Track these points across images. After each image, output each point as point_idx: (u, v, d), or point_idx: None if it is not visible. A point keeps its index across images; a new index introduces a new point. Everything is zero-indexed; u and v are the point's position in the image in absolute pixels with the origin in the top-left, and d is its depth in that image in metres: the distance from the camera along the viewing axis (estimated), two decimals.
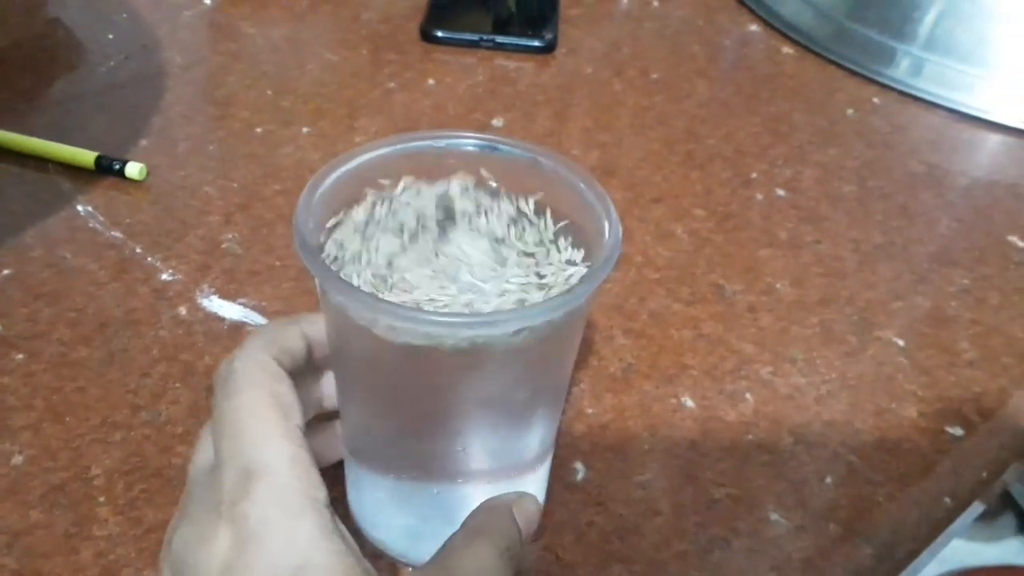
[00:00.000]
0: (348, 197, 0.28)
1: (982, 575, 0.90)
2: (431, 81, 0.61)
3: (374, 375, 0.27)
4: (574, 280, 0.27)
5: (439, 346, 0.24)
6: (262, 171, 0.51)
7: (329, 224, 0.27)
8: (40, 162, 0.49)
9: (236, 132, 0.54)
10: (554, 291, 0.26)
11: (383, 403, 0.28)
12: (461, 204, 0.28)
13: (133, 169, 0.48)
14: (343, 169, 0.28)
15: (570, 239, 0.28)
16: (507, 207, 0.29)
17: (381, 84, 0.60)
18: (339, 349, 0.27)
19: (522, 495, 0.29)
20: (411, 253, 0.26)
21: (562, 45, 0.66)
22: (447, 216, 0.28)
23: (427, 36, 0.65)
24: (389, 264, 0.26)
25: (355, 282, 0.25)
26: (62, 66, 0.59)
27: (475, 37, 0.64)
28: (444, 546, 0.27)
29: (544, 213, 0.29)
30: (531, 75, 0.63)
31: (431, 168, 0.29)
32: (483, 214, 0.28)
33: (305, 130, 0.55)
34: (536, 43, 0.64)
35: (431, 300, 0.25)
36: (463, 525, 0.27)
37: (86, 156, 0.49)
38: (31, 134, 0.50)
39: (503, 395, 0.27)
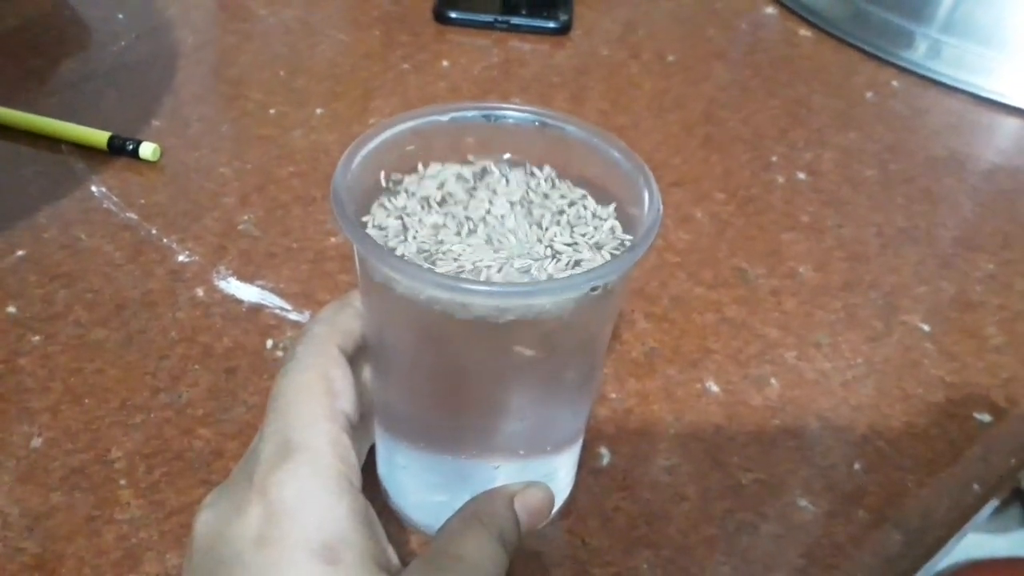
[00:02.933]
0: (387, 167, 0.28)
1: (990, 567, 0.89)
2: (445, 63, 0.60)
3: (417, 351, 0.27)
4: (618, 233, 0.26)
5: (495, 317, 0.23)
6: (277, 152, 0.50)
7: (365, 219, 0.27)
8: (52, 142, 0.49)
9: (249, 113, 0.53)
10: (607, 248, 0.26)
11: (424, 379, 0.28)
12: (483, 173, 0.28)
13: (147, 149, 0.48)
14: (380, 139, 0.27)
15: (595, 197, 0.28)
16: (524, 174, 0.29)
17: (395, 65, 0.59)
18: (379, 325, 0.27)
19: (530, 485, 0.29)
20: (450, 225, 0.26)
21: (577, 27, 0.65)
22: (468, 188, 0.28)
23: (440, 17, 0.64)
24: (436, 235, 0.25)
25: (399, 253, 0.25)
26: (71, 46, 0.59)
27: (489, 18, 0.63)
28: (440, 530, 0.27)
29: (564, 177, 0.29)
30: (546, 57, 0.62)
31: (465, 142, 0.29)
32: (505, 180, 0.28)
33: (319, 111, 0.54)
34: (551, 24, 0.63)
35: (482, 267, 0.24)
36: (460, 510, 0.27)
37: (99, 136, 0.48)
38: (42, 114, 0.49)
39: (547, 370, 0.27)
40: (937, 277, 0.46)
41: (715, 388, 0.39)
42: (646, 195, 0.26)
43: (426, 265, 0.25)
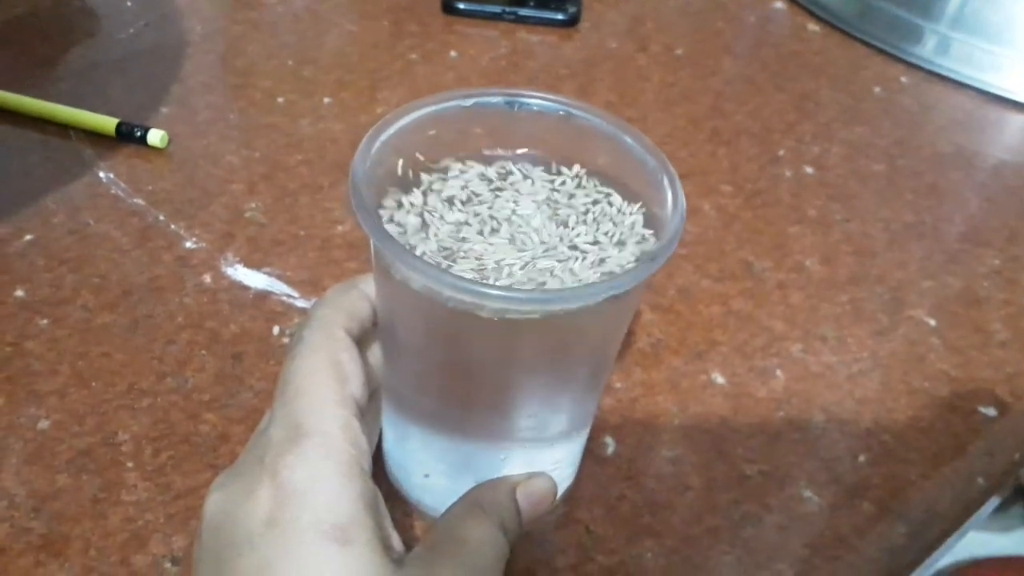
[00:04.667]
0: (408, 152, 0.27)
1: (993, 565, 0.89)
2: (453, 53, 0.60)
3: (429, 343, 0.27)
4: (639, 227, 0.26)
5: (512, 317, 0.23)
6: (284, 141, 0.50)
7: (382, 212, 0.27)
8: (61, 128, 0.49)
9: (257, 102, 0.53)
10: (630, 243, 0.26)
11: (434, 371, 0.28)
12: (507, 172, 0.28)
13: (155, 136, 0.48)
14: (400, 123, 0.27)
15: (620, 194, 0.28)
16: (548, 173, 0.28)
17: (403, 56, 0.59)
18: (392, 315, 0.27)
19: (533, 475, 0.29)
20: (473, 223, 0.26)
21: (585, 19, 0.65)
22: (492, 188, 0.28)
23: (449, 8, 0.64)
24: (458, 233, 0.25)
25: (420, 251, 0.25)
26: (80, 34, 0.59)
27: (497, 9, 0.63)
28: (442, 516, 0.27)
29: (592, 177, 0.28)
30: (554, 49, 0.62)
31: (486, 129, 0.29)
32: (529, 181, 0.28)
33: (327, 100, 0.54)
34: (559, 16, 0.63)
35: (504, 264, 0.24)
36: (462, 498, 0.28)
37: (107, 123, 0.48)
38: (51, 101, 0.49)
39: (560, 370, 0.27)
40: (943, 272, 0.46)
41: (720, 380, 0.39)
42: (670, 197, 0.26)
43: (445, 263, 0.24)
